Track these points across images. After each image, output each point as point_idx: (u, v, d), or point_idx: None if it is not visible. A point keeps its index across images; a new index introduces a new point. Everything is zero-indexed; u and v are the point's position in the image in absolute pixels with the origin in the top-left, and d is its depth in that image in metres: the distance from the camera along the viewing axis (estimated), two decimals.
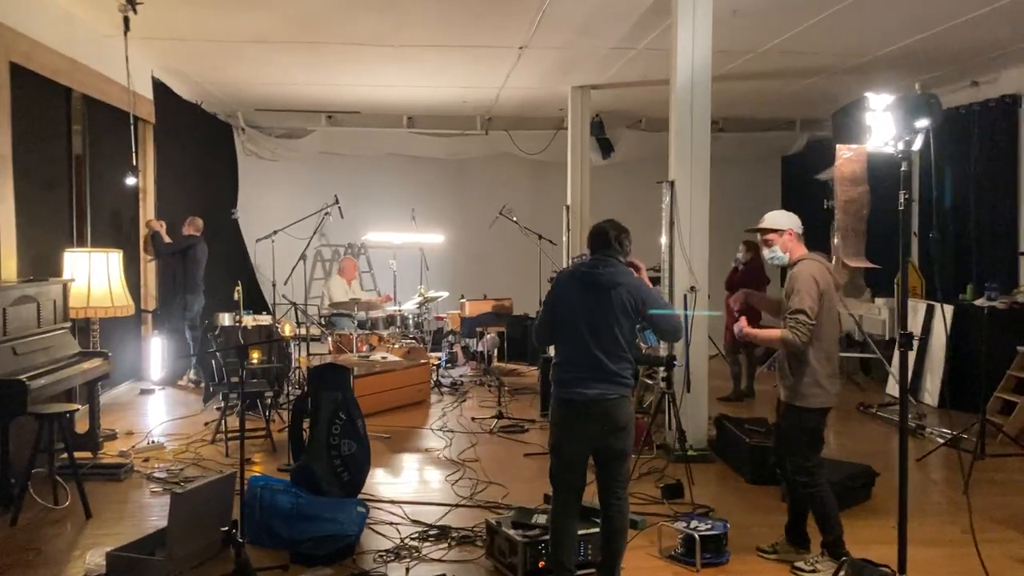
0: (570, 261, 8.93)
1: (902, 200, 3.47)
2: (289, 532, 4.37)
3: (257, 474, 5.03)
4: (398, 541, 4.50)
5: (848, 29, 7.42)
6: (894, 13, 6.95)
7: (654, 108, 11.64)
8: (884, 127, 3.49)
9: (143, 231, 8.92)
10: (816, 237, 8.71)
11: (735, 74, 9.04)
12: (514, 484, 5.55)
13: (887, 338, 9.71)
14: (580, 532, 3.94)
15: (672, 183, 6.15)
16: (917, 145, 3.45)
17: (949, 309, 8.00)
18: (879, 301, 10.32)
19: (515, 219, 9.56)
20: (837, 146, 4.12)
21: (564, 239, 10.42)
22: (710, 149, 6.14)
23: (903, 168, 3.51)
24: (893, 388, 8.41)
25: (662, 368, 6.03)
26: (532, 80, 9.79)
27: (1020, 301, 7.69)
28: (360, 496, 5.00)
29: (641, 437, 6.26)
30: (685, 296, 6.02)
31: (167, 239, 8.85)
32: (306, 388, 5.16)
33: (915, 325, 8.25)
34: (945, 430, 6.90)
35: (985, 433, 6.27)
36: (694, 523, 4.28)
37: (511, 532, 3.97)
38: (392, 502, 5.18)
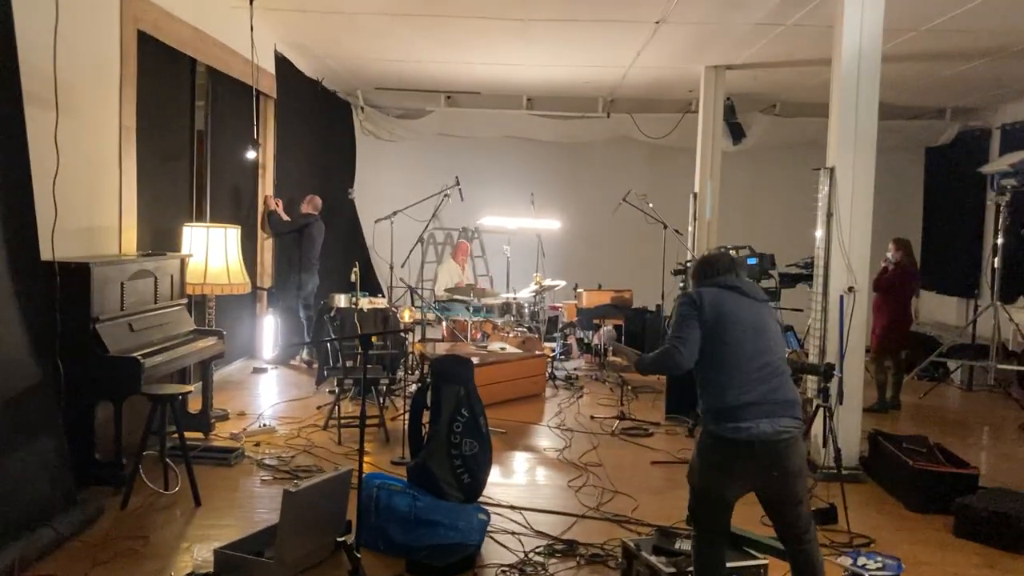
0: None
1: None
2: (405, 538, 4.03)
3: (373, 471, 4.71)
4: (522, 555, 4.10)
5: None
6: None
7: (792, 92, 10.88)
8: None
9: (261, 208, 8.82)
10: (971, 242, 7.83)
11: (890, 55, 8.21)
12: (643, 496, 5.07)
13: None
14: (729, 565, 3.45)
15: (832, 170, 5.53)
16: None
17: None
18: None
19: (650, 206, 8.99)
20: None
21: (690, 228, 9.81)
22: (876, 134, 5.50)
23: None
24: None
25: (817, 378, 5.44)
26: (663, 59, 9.20)
27: None
28: (479, 500, 4.63)
29: None
30: (842, 297, 5.40)
31: (284, 217, 8.72)
32: (427, 379, 4.80)
33: None
34: None
35: None
36: (862, 560, 3.72)
37: (653, 559, 3.51)
38: (512, 508, 4.79)
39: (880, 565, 3.67)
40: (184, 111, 7.17)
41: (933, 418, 7.48)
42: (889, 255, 7.60)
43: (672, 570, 3.41)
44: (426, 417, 4.71)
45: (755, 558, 3.58)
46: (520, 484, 5.40)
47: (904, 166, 12.54)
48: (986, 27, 7.27)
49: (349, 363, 6.61)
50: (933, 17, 7.05)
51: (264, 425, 6.27)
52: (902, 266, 7.54)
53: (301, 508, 3.70)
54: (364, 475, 3.90)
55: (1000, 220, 7.71)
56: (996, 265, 7.81)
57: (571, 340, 9.84)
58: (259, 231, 8.85)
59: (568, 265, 11.75)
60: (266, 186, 8.92)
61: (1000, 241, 7.78)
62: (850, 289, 5.40)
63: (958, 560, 4.26)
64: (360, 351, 6.36)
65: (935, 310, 12.10)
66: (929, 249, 12.14)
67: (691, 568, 3.34)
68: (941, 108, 11.79)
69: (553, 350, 9.26)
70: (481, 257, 12.26)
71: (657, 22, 7.60)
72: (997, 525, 4.40)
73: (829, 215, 5.54)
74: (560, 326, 9.91)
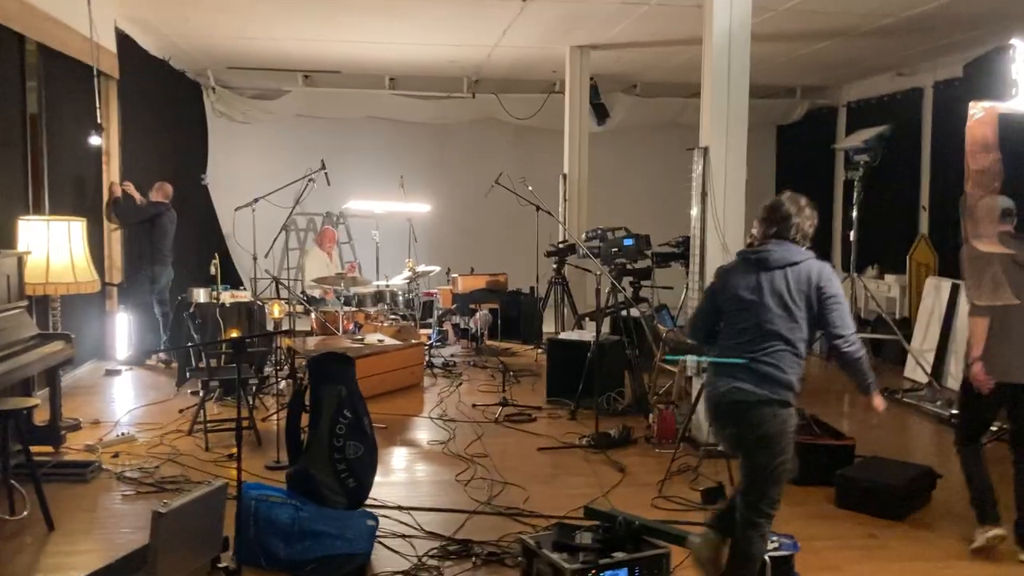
0: (581, 236, 8.31)
1: None
2: (289, 552, 3.76)
3: (248, 481, 4.38)
4: (415, 559, 3.91)
5: None
6: None
7: (652, 72, 11.05)
8: None
9: (106, 196, 8.14)
10: (822, 217, 8.26)
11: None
12: (533, 486, 4.97)
13: (898, 317, 9.30)
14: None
15: (706, 150, 5.57)
16: None
17: None
18: (889, 278, 9.92)
19: (529, 189, 8.84)
20: (970, 104, 3.52)
21: (561, 210, 9.80)
22: (747, 113, 5.58)
23: None
24: (912, 372, 7.98)
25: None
26: (530, 38, 9.10)
27: None
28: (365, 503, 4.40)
29: (667, 431, 5.78)
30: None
31: (140, 199, 8.08)
32: (302, 380, 4.52)
33: (939, 305, 7.79)
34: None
35: None
36: None
37: (555, 557, 3.39)
38: (400, 508, 4.58)
39: (777, 545, 3.69)
40: (14, 93, 6.48)
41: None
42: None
43: (576, 566, 3.31)
44: (304, 420, 4.43)
45: (657, 547, 3.52)
46: (405, 482, 5.20)
47: (757, 144, 12.98)
48: (839, 8, 7.53)
49: (213, 362, 6.19)
50: None
51: (122, 434, 5.78)
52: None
53: (173, 529, 3.37)
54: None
55: (855, 195, 8.03)
56: (853, 238, 8.15)
57: (447, 326, 9.65)
58: (105, 222, 8.19)
59: (440, 249, 11.56)
60: (111, 173, 8.25)
61: (855, 215, 8.11)
62: None
63: (843, 531, 4.37)
64: (229, 351, 6.00)
65: None
66: None
67: (592, 561, 3.29)
68: (791, 87, 12.28)
69: (429, 337, 9.06)
70: (348, 243, 11.87)
71: (524, 0, 7.47)
72: (876, 495, 4.55)
73: (704, 194, 5.58)
74: (436, 312, 9.70)
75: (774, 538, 3.72)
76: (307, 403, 4.38)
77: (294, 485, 4.18)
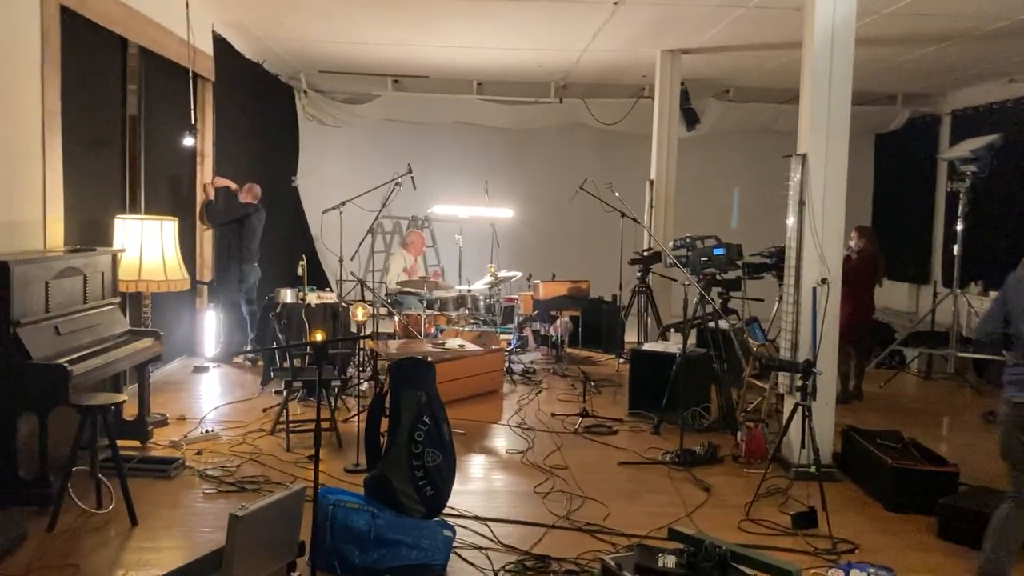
0: (667, 244, 8.07)
1: None
2: (364, 560, 3.71)
3: (327, 486, 4.35)
4: (491, 573, 3.81)
5: None
6: None
7: (746, 77, 10.74)
8: None
9: (200, 198, 8.33)
10: (922, 229, 7.81)
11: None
12: (614, 501, 4.81)
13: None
14: None
15: (804, 157, 5.32)
16: None
17: None
18: (994, 295, 9.37)
19: (616, 195, 8.64)
20: None
21: (646, 217, 9.59)
22: (848, 120, 5.31)
23: None
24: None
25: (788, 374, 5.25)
26: (619, 42, 8.94)
27: None
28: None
29: (756, 450, 5.54)
30: (815, 290, 5.20)
31: (234, 187, 8.24)
32: (383, 384, 4.47)
33: None
34: None
35: None
36: (854, 572, 3.53)
37: None
38: (477, 519, 4.49)
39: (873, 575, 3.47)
40: (115, 94, 6.67)
41: (896, 408, 7.39)
42: (852, 243, 7.47)
43: None
44: (384, 425, 4.38)
45: None
46: (483, 491, 5.10)
47: (855, 152, 12.49)
48: (949, 11, 7.15)
49: (297, 363, 6.23)
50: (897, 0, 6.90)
51: (207, 431, 5.85)
52: (865, 254, 7.43)
53: (249, 533, 3.35)
54: (320, 491, 3.57)
55: (960, 207, 7.61)
56: (956, 252, 7.72)
57: (527, 332, 9.55)
58: (198, 222, 8.37)
59: (522, 254, 11.47)
60: (205, 173, 8.43)
61: (960, 228, 7.69)
62: (823, 281, 5.21)
63: (945, 564, 4.09)
64: (311, 352, 6.01)
65: (884, 296, 12.12)
66: (879, 235, 12.15)
67: None
68: (892, 94, 11.78)
69: (509, 343, 8.97)
70: (432, 247, 11.90)
71: (616, 2, 7.32)
72: (984, 527, 4.23)
73: (801, 203, 5.33)
74: (517, 319, 9.61)
75: (870, 568, 3.50)
76: (387, 408, 4.32)
77: (372, 491, 4.13)
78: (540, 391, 7.63)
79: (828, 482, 5.08)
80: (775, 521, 4.57)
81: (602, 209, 8.80)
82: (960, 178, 7.63)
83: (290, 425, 5.75)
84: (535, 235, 11.93)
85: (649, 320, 9.11)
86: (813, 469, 4.79)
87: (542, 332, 9.53)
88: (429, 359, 4.58)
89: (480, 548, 4.11)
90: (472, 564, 3.93)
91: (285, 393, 5.92)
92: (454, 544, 4.02)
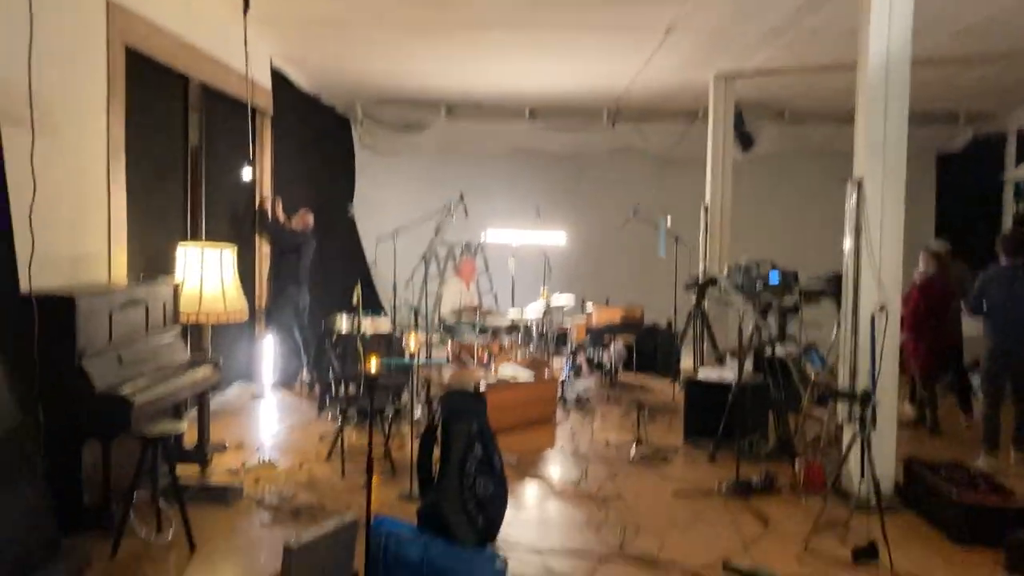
0: (723, 269, 7.99)
1: None
2: None
3: (380, 516, 4.37)
4: None
5: None
6: None
7: (802, 99, 10.62)
8: None
9: (256, 206, 8.48)
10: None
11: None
12: (669, 533, 4.75)
13: None
14: None
15: (860, 182, 5.23)
16: None
17: None
18: None
19: (667, 224, 8.64)
20: None
21: (701, 242, 9.51)
22: (906, 143, 5.21)
23: None
24: None
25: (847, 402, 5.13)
26: (671, 67, 8.92)
27: None
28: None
29: (815, 480, 5.41)
30: (873, 317, 5.09)
31: (283, 217, 8.40)
32: (435, 415, 4.49)
33: None
34: None
35: None
36: None
37: None
38: (531, 551, 4.46)
39: None
40: (177, 128, 6.88)
41: (962, 437, 7.15)
42: (921, 267, 7.28)
43: None
44: (436, 454, 4.39)
45: None
46: (535, 520, 5.08)
47: (915, 174, 12.23)
48: (1018, 27, 6.97)
49: (351, 391, 6.29)
50: (963, 18, 6.74)
51: (264, 461, 5.94)
52: (936, 281, 7.22)
53: (303, 563, 3.39)
54: (373, 521, 3.59)
55: None
56: None
57: (580, 360, 9.51)
58: (256, 248, 8.52)
59: (574, 280, 11.44)
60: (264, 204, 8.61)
61: None
62: (881, 308, 5.09)
63: None
64: (366, 383, 6.06)
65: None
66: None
67: None
68: (953, 112, 11.50)
69: (563, 370, 8.94)
70: (485, 273, 11.95)
71: (668, 29, 7.31)
72: None
73: (858, 228, 5.23)
74: (570, 346, 9.57)
75: None
76: (439, 437, 4.34)
77: (424, 520, 4.14)
78: (594, 419, 7.58)
79: (890, 513, 4.94)
80: (835, 554, 4.46)
81: (655, 233, 8.79)
82: None
83: (345, 452, 5.80)
84: (588, 260, 11.89)
85: (705, 346, 9.00)
86: (873, 501, 4.67)
87: (595, 360, 9.49)
88: (480, 390, 4.59)
89: None
90: None
91: (339, 420, 5.98)
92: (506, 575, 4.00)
